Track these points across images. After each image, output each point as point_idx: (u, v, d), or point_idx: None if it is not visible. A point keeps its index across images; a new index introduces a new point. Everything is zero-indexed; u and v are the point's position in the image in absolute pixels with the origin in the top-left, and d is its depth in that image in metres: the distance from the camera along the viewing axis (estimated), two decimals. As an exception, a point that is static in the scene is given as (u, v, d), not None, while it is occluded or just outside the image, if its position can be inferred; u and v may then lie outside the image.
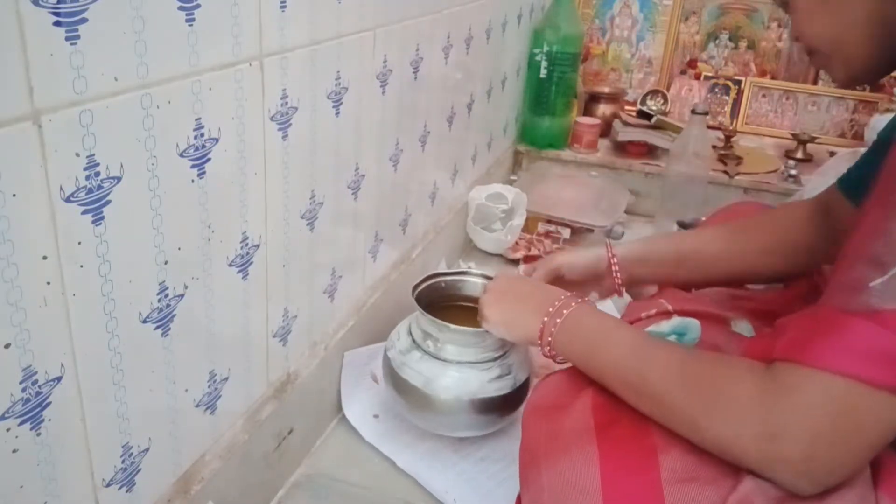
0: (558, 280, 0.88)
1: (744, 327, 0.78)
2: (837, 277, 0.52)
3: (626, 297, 0.96)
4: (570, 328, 0.70)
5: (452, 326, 0.87)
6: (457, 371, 0.88)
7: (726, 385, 0.55)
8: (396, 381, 0.91)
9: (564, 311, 0.70)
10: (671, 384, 0.58)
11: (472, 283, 1.00)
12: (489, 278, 1.00)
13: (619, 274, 0.87)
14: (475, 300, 0.87)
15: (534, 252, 1.47)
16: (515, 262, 1.47)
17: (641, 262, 0.88)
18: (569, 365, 0.70)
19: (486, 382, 0.88)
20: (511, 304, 0.78)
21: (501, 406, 0.89)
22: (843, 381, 0.48)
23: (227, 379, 0.73)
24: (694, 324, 0.76)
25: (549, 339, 0.70)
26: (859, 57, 0.61)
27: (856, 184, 0.79)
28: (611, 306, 1.31)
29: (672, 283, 0.88)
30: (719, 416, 0.54)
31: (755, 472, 0.52)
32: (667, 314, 0.79)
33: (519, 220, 1.47)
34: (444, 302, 0.99)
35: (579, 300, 0.72)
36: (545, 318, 0.71)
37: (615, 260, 0.87)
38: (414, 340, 0.92)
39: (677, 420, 0.57)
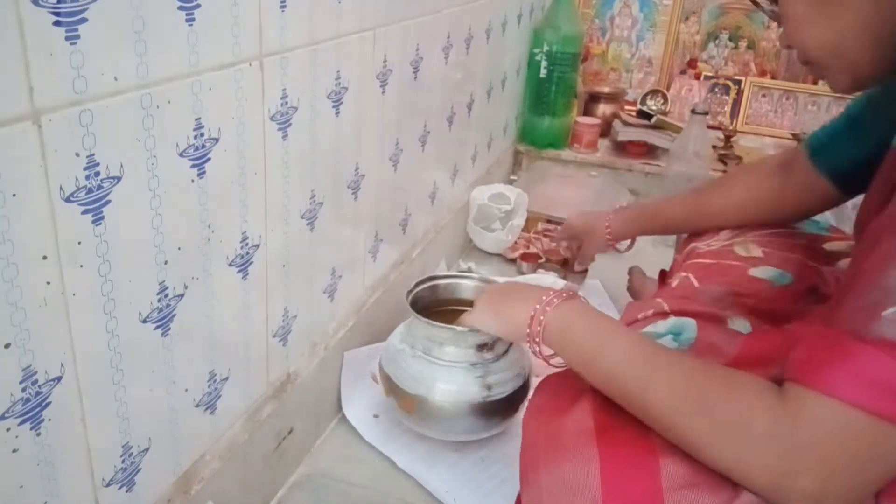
0: (573, 238, 1.19)
1: (741, 325, 0.78)
2: (850, 300, 0.51)
3: (622, 300, 0.96)
4: (564, 328, 0.68)
5: (445, 326, 0.86)
6: (455, 375, 0.87)
7: (736, 412, 0.53)
8: (394, 388, 0.90)
9: (556, 301, 0.69)
10: (675, 403, 0.56)
11: (469, 286, 0.99)
12: (486, 281, 0.99)
13: (610, 228, 1.11)
14: (472, 303, 0.84)
15: (532, 250, 1.47)
16: (514, 261, 1.47)
17: (630, 217, 1.11)
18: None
19: (485, 386, 0.87)
20: (502, 298, 0.78)
21: (501, 409, 0.88)
22: (861, 415, 0.47)
23: (227, 379, 0.73)
24: (690, 323, 0.75)
25: (539, 328, 0.68)
26: (861, 62, 0.60)
27: (821, 151, 0.86)
28: (599, 287, 1.33)
29: (650, 234, 1.15)
30: (728, 444, 0.53)
31: (761, 497, 0.52)
32: (664, 314, 0.79)
33: (520, 220, 1.47)
34: (439, 305, 0.98)
35: (571, 294, 0.71)
36: (536, 306, 0.69)
37: (609, 217, 1.12)
38: (410, 345, 0.91)
39: (681, 440, 0.55)
